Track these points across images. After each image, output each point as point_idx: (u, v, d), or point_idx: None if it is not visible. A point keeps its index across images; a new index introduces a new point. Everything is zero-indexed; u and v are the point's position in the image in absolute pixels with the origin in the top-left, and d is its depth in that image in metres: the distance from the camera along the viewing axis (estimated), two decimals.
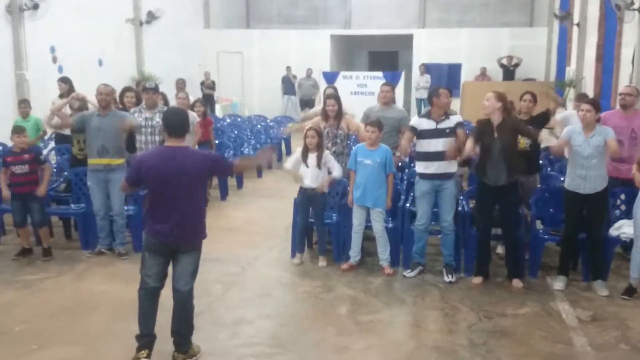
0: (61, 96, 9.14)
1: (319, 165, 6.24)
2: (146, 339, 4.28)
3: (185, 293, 4.31)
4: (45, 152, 7.78)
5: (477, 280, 5.88)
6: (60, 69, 12.45)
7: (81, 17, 13.49)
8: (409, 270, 6.08)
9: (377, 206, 6.07)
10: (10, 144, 8.44)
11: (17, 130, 6.49)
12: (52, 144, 9.07)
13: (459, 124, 5.90)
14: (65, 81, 9.11)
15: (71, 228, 7.35)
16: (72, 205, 7.04)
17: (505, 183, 5.62)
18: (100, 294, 5.61)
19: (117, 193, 6.50)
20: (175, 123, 4.20)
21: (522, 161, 5.82)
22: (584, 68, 14.13)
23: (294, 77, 19.35)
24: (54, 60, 12.74)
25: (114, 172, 6.46)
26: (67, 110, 7.39)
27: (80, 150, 7.11)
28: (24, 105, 8.95)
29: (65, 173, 7.33)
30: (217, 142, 9.91)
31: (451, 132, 5.84)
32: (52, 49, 12.70)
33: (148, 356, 4.25)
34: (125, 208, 6.73)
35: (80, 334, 4.71)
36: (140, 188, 4.89)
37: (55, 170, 7.69)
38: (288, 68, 19.47)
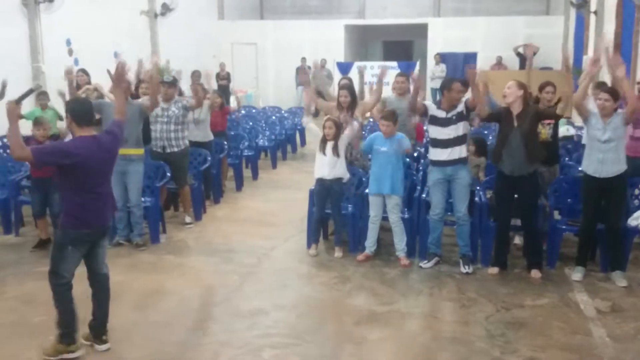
0: (78, 87, 9.22)
1: (336, 154, 6.24)
2: (74, 331, 4.31)
3: (105, 276, 4.48)
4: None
5: (494, 270, 5.86)
6: (76, 61, 12.52)
7: (96, 10, 13.55)
8: (425, 261, 6.07)
9: (394, 193, 6.06)
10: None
11: (38, 121, 6.54)
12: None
13: (466, 101, 5.86)
14: (86, 72, 9.21)
15: None
16: None
17: (524, 173, 5.58)
18: (118, 284, 5.62)
19: (135, 185, 6.56)
20: (83, 113, 4.28)
21: (542, 151, 5.77)
22: (601, 56, 13.93)
23: (309, 67, 19.30)
24: (70, 52, 12.82)
25: (132, 163, 6.50)
26: None
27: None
28: (42, 97, 9.04)
29: None
30: (232, 133, 9.93)
31: (458, 117, 5.82)
32: (68, 42, 12.78)
33: (78, 347, 4.32)
34: (142, 200, 6.77)
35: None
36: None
37: None
38: (303, 59, 19.43)
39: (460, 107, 5.84)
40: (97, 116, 6.69)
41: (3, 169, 7.59)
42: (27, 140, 6.57)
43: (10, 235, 7.16)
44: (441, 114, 5.87)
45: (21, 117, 7.34)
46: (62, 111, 9.03)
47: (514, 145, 5.56)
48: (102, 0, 13.75)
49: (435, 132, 5.91)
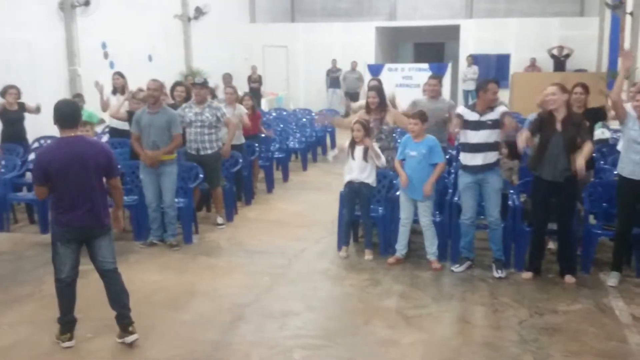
0: (114, 91, 9.42)
1: (365, 158, 6.23)
2: (68, 324, 4.55)
3: (111, 272, 4.57)
4: None
5: (528, 275, 5.79)
6: (111, 65, 12.76)
7: (131, 14, 13.77)
8: (457, 265, 6.03)
9: (423, 198, 6.02)
10: None
11: (83, 124, 6.67)
12: (105, 138, 9.32)
13: (504, 114, 5.79)
14: (122, 75, 9.42)
15: (124, 220, 7.56)
16: (125, 198, 7.20)
17: (564, 179, 5.49)
18: (152, 283, 5.76)
19: (169, 186, 6.66)
20: (67, 114, 4.35)
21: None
22: (637, 58, 13.65)
23: (338, 70, 19.32)
24: (106, 56, 13.06)
25: (165, 165, 6.61)
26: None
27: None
28: (78, 99, 9.25)
29: (119, 166, 7.51)
30: (262, 135, 10.00)
31: (494, 124, 5.74)
32: (104, 45, 13.02)
33: (70, 339, 4.52)
34: (176, 200, 6.87)
35: (135, 322, 4.82)
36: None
37: None
38: (333, 61, 19.45)
39: (497, 115, 5.74)
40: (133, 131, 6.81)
41: None
42: None
43: (48, 234, 7.31)
44: (474, 116, 5.79)
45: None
46: (97, 111, 9.28)
47: (556, 151, 5.45)
48: (136, 5, 13.98)
49: (467, 136, 5.84)
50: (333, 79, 19.41)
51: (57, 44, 11.67)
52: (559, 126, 5.49)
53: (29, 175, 8.36)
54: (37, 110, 8.62)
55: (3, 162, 8.05)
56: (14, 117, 8.46)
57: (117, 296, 4.57)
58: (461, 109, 6.02)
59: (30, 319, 5.01)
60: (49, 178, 4.31)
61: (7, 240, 7.17)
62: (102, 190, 4.49)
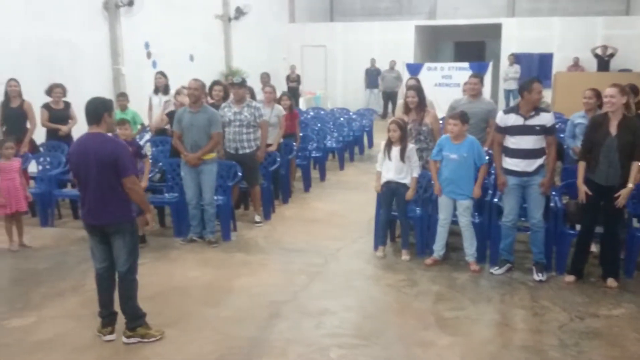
0: (156, 90, 9.59)
1: (402, 159, 6.19)
2: (107, 318, 4.62)
3: (122, 273, 4.53)
4: (141, 143, 8.18)
5: (570, 278, 5.67)
6: (154, 64, 13.00)
7: (173, 14, 14.00)
8: (497, 267, 5.94)
9: (464, 198, 5.94)
10: None
11: (120, 122, 6.81)
12: (147, 136, 9.49)
13: (550, 129, 5.62)
14: (164, 75, 9.57)
15: (165, 216, 7.70)
16: (167, 195, 7.35)
17: (616, 183, 5.34)
18: (192, 279, 5.84)
19: (208, 183, 6.75)
20: (88, 111, 4.42)
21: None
22: None
23: (376, 68, 19.23)
24: (148, 55, 13.30)
25: (205, 163, 6.70)
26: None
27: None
28: (122, 98, 9.43)
29: (160, 164, 7.66)
30: (301, 134, 10.04)
31: (542, 130, 5.59)
32: (147, 45, 13.26)
33: (111, 332, 4.60)
34: (215, 198, 6.95)
35: (174, 317, 4.93)
36: None
37: (150, 160, 8.06)
38: (372, 60, 19.38)
39: (544, 122, 5.58)
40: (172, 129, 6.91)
41: None
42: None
43: None
44: (518, 120, 5.63)
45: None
46: (142, 113, 9.46)
47: (611, 154, 5.30)
48: (179, 5, 14.20)
49: (511, 142, 5.68)
50: (371, 78, 19.34)
51: (101, 44, 11.94)
52: (613, 130, 5.32)
53: None
54: (73, 123, 8.79)
55: (48, 159, 8.28)
56: (60, 115, 8.67)
57: (122, 299, 4.59)
58: (501, 117, 5.80)
59: (72, 313, 5.13)
60: (73, 172, 4.49)
61: (52, 235, 7.37)
62: (110, 190, 4.39)
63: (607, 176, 5.36)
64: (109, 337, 4.61)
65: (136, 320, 4.58)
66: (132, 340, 4.53)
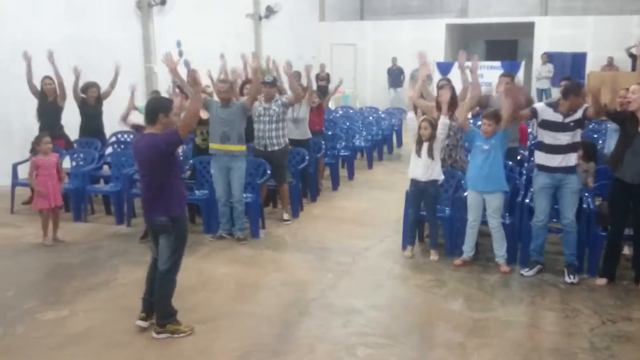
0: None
1: (431, 156, 6.15)
2: (145, 302, 4.73)
3: (160, 272, 4.57)
4: None
5: (602, 281, 5.57)
6: (185, 63, 13.11)
7: (205, 13, 14.13)
8: (527, 269, 5.86)
9: (499, 189, 5.87)
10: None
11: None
12: None
13: (587, 108, 5.55)
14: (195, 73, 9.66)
15: (195, 213, 7.78)
16: (197, 192, 7.42)
17: None
18: (221, 276, 5.89)
19: (238, 181, 6.80)
20: (146, 112, 4.51)
21: None
22: None
23: (398, 67, 19.06)
24: (180, 53, 13.42)
25: (235, 159, 6.75)
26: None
27: (203, 140, 7.48)
28: (154, 93, 9.53)
29: (191, 161, 7.75)
30: (329, 133, 10.05)
31: (576, 125, 5.54)
32: (178, 43, 13.39)
33: (144, 319, 4.71)
34: (244, 196, 7.00)
35: (204, 312, 4.98)
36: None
37: (181, 157, 8.15)
38: (394, 59, 19.24)
39: (579, 115, 5.54)
40: (206, 115, 7.00)
41: (117, 163, 8.10)
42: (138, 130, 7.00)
43: (123, 225, 7.63)
44: (557, 117, 5.57)
45: (135, 108, 7.94)
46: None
47: (638, 153, 5.23)
48: (210, 4, 14.32)
49: (547, 136, 5.62)
50: (393, 78, 19.19)
51: (133, 42, 12.11)
52: None
53: (106, 168, 8.74)
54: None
55: (81, 155, 8.43)
56: (93, 112, 8.83)
57: (154, 295, 4.65)
58: (540, 106, 5.80)
59: (103, 306, 5.22)
60: None
61: (84, 230, 7.51)
62: (157, 188, 4.44)
63: (635, 174, 5.26)
64: (139, 322, 4.70)
65: (167, 318, 4.63)
66: (161, 335, 4.59)
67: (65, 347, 4.50)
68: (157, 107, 4.50)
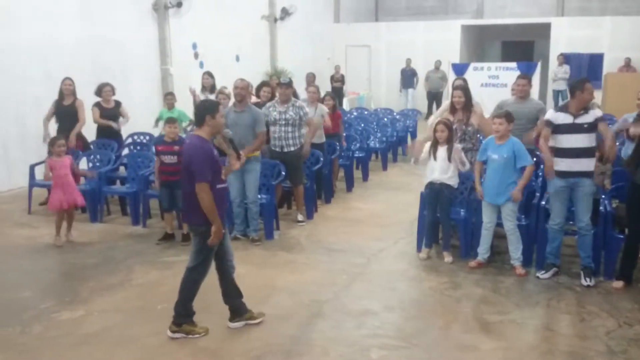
0: (203, 89, 9.77)
1: (449, 159, 6.13)
2: (237, 308, 4.80)
3: (187, 270, 4.64)
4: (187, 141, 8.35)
5: (619, 284, 5.51)
6: (201, 64, 13.21)
7: (220, 15, 14.21)
8: (543, 272, 5.81)
9: (506, 202, 5.85)
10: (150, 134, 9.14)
11: (170, 120, 6.96)
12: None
13: (599, 119, 5.52)
14: (211, 75, 9.74)
15: None
16: None
17: None
18: (235, 277, 5.89)
19: (252, 182, 6.82)
20: (195, 114, 4.60)
21: None
22: None
23: (412, 68, 18.99)
24: (196, 56, 13.53)
25: (249, 162, 6.76)
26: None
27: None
28: (170, 97, 9.64)
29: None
30: (344, 134, 10.04)
31: (590, 127, 5.48)
32: (194, 45, 13.50)
33: (230, 319, 4.80)
34: (259, 197, 7.02)
35: (217, 314, 4.97)
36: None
37: None
38: (408, 60, 19.17)
39: (592, 118, 5.48)
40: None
41: (133, 165, 8.16)
42: (155, 144, 7.06)
43: (139, 226, 7.68)
44: (568, 118, 5.52)
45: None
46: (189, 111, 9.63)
47: None
48: (226, 6, 14.40)
49: (559, 140, 5.57)
50: (406, 79, 19.12)
51: (149, 44, 12.21)
52: None
53: (122, 169, 8.81)
54: (127, 118, 9.02)
55: (98, 156, 8.51)
56: (110, 114, 8.90)
57: (178, 292, 4.70)
58: (551, 114, 5.73)
59: (119, 307, 5.26)
60: None
61: (100, 230, 7.57)
62: (191, 190, 4.46)
63: None
64: (229, 324, 4.82)
65: (183, 318, 4.66)
66: (177, 335, 4.62)
67: (81, 346, 4.54)
68: (204, 109, 4.60)
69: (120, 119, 8.96)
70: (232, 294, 4.82)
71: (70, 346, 4.55)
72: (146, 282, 5.80)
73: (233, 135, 6.74)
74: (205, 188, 4.40)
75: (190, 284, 4.65)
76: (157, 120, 9.45)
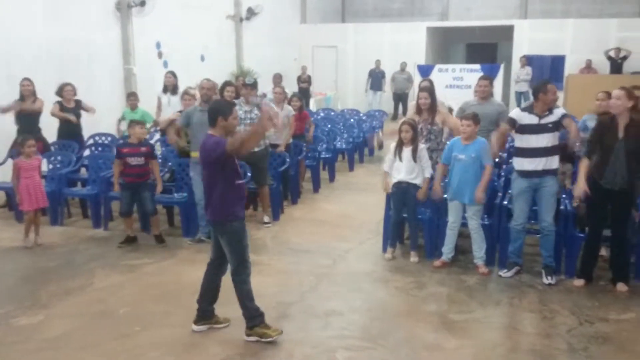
0: (165, 89, 9.63)
1: (414, 159, 6.17)
2: (199, 309, 4.72)
3: (231, 274, 4.60)
4: (151, 142, 8.23)
5: (579, 282, 5.62)
6: (165, 64, 13.04)
7: (185, 14, 14.04)
8: (505, 270, 5.90)
9: (473, 202, 5.92)
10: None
11: (137, 122, 6.86)
12: (157, 136, 9.52)
13: (564, 115, 5.62)
14: (174, 75, 9.62)
15: (174, 216, 7.72)
16: (175, 195, 7.37)
17: (625, 187, 5.30)
18: (200, 279, 5.76)
19: None
20: (208, 115, 4.59)
21: None
22: None
23: (381, 70, 19.08)
24: (160, 55, 13.35)
25: None
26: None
27: (187, 143, 7.42)
28: (132, 98, 9.49)
29: (170, 163, 7.69)
30: (313, 135, 10.03)
31: (554, 126, 5.59)
32: (158, 45, 13.31)
33: (195, 322, 4.72)
34: None
35: (182, 317, 4.92)
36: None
37: (160, 160, 8.08)
38: (377, 62, 19.26)
39: (556, 117, 5.59)
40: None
41: (95, 166, 8.01)
42: (118, 146, 6.93)
43: (100, 229, 7.54)
44: (533, 119, 5.62)
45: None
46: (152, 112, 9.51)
47: (619, 157, 5.27)
48: (191, 6, 14.24)
49: (525, 140, 5.66)
50: (374, 80, 19.19)
51: (112, 43, 11.99)
52: (621, 133, 5.29)
53: (83, 170, 8.65)
54: (92, 111, 8.91)
55: (59, 158, 8.33)
56: (71, 113, 8.72)
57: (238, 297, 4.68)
58: (516, 113, 5.83)
59: (80, 311, 5.15)
60: None
61: (61, 233, 7.41)
62: (212, 187, 4.48)
63: (613, 180, 5.32)
64: (194, 327, 4.73)
65: (252, 320, 4.60)
66: (250, 338, 4.58)
67: (41, 352, 4.43)
68: (217, 111, 4.54)
69: (86, 114, 8.80)
70: (208, 298, 4.76)
71: (30, 352, 4.44)
72: (108, 285, 5.69)
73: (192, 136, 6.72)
74: (232, 141, 4.33)
75: (241, 286, 4.59)
76: (120, 120, 9.32)
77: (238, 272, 4.56)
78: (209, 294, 4.75)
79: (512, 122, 5.75)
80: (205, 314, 4.76)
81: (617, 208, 5.44)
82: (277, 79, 12.37)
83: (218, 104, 4.78)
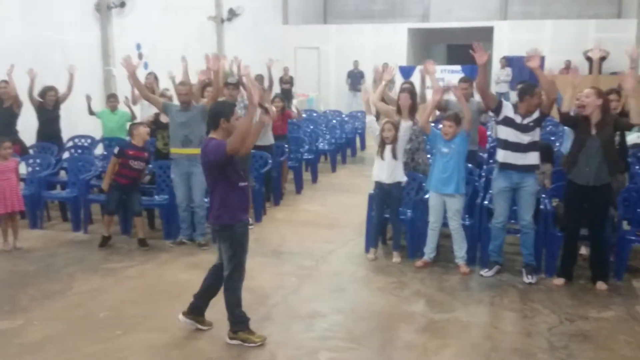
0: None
1: (394, 157, 6.20)
2: (192, 304, 4.72)
3: (224, 278, 4.55)
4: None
5: (559, 281, 5.68)
6: (145, 65, 12.93)
7: (165, 15, 13.96)
8: (486, 270, 5.95)
9: (457, 192, 5.95)
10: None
11: (141, 123, 6.87)
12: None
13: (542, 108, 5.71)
14: (155, 77, 9.57)
15: (154, 219, 7.66)
16: (156, 197, 7.32)
17: (599, 184, 5.39)
18: (181, 282, 5.80)
19: (199, 185, 6.71)
20: (208, 117, 4.58)
21: (620, 161, 5.56)
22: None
23: (360, 71, 19.12)
24: (140, 56, 13.24)
25: (196, 164, 6.65)
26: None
27: (165, 145, 7.39)
28: (112, 99, 9.42)
29: (150, 165, 7.62)
30: (293, 136, 10.03)
31: (535, 123, 5.67)
32: (138, 46, 13.20)
33: (184, 314, 4.72)
34: (206, 200, 6.91)
35: (163, 320, 4.89)
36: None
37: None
38: (355, 62, 19.31)
39: (537, 114, 5.67)
40: (166, 119, 6.96)
41: (74, 169, 7.93)
42: (122, 147, 6.85)
43: (80, 232, 7.46)
44: (517, 118, 5.70)
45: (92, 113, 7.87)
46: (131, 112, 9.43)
47: (591, 154, 5.37)
48: (171, 6, 14.16)
49: (509, 134, 5.72)
50: (354, 81, 19.24)
51: (92, 45, 11.89)
52: (593, 130, 5.40)
53: (63, 173, 8.55)
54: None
55: (37, 160, 8.23)
56: (50, 116, 8.65)
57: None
58: (505, 102, 5.93)
59: (60, 315, 5.09)
60: None
61: (40, 237, 7.32)
62: (213, 191, 4.46)
63: (589, 177, 5.40)
64: (179, 317, 4.72)
65: (237, 325, 4.56)
66: (233, 342, 4.54)
67: (20, 356, 4.38)
68: (218, 112, 4.46)
69: (65, 116, 8.77)
70: (206, 296, 4.73)
71: (9, 357, 4.38)
72: (88, 289, 5.63)
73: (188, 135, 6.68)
74: (231, 141, 4.27)
75: (231, 291, 4.55)
76: (91, 110, 9.24)
77: (233, 278, 4.52)
78: (208, 293, 4.72)
79: (499, 103, 5.85)
80: (197, 310, 4.73)
81: (593, 206, 5.52)
82: (260, 80, 12.34)
83: (218, 106, 4.70)
